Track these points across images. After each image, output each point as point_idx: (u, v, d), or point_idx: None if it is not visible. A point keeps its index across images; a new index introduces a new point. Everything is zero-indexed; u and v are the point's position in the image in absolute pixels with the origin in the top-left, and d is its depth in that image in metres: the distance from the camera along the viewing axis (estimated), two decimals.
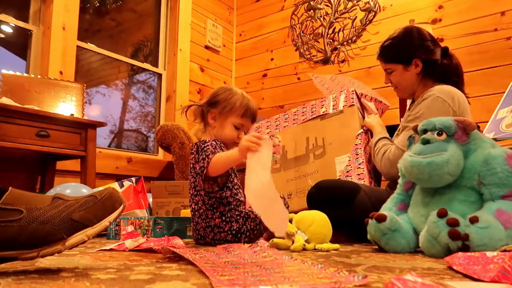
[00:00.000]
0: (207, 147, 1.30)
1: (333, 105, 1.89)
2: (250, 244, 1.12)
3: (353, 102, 1.83)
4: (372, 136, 1.73)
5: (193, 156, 1.37)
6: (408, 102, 1.97)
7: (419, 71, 1.60)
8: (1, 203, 0.70)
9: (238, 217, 1.32)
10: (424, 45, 1.60)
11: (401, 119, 1.85)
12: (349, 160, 1.68)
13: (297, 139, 1.93)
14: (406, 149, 1.26)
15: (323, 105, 1.95)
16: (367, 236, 1.20)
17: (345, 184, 1.49)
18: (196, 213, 1.36)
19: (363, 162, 1.65)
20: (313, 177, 1.77)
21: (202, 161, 1.28)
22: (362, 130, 1.72)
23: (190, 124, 3.24)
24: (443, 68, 1.60)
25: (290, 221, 1.28)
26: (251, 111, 1.42)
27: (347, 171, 1.66)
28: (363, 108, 1.87)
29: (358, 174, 1.63)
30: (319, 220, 1.28)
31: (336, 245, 1.22)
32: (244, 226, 1.32)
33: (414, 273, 0.55)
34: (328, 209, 1.39)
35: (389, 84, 1.70)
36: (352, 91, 1.87)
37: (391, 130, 1.89)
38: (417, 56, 1.59)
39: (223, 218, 1.32)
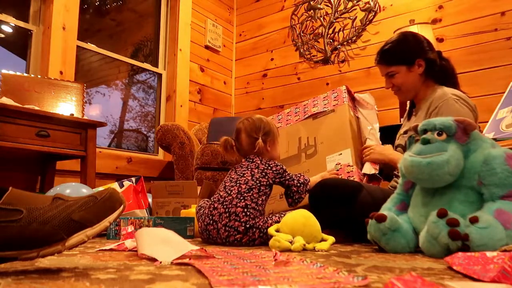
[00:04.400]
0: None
1: (325, 104, 1.89)
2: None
3: (344, 100, 1.82)
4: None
5: (274, 169, 1.49)
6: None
7: (422, 71, 1.61)
8: (1, 203, 0.70)
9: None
10: (422, 46, 1.63)
11: (402, 120, 1.83)
12: (340, 157, 1.67)
13: (290, 139, 1.93)
14: None
15: (315, 105, 1.94)
16: (367, 236, 1.20)
17: (347, 182, 1.49)
18: (245, 210, 1.37)
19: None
20: None
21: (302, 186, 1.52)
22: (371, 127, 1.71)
23: (190, 124, 3.25)
24: (443, 69, 1.63)
25: (277, 230, 1.28)
26: None
27: (337, 170, 1.66)
28: (354, 105, 1.86)
29: (348, 172, 1.62)
30: (308, 219, 1.27)
31: (331, 238, 1.24)
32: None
33: (414, 273, 0.55)
34: (330, 207, 1.39)
35: (390, 89, 1.69)
36: (344, 89, 1.87)
37: (391, 130, 1.88)
38: (419, 56, 1.61)
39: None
